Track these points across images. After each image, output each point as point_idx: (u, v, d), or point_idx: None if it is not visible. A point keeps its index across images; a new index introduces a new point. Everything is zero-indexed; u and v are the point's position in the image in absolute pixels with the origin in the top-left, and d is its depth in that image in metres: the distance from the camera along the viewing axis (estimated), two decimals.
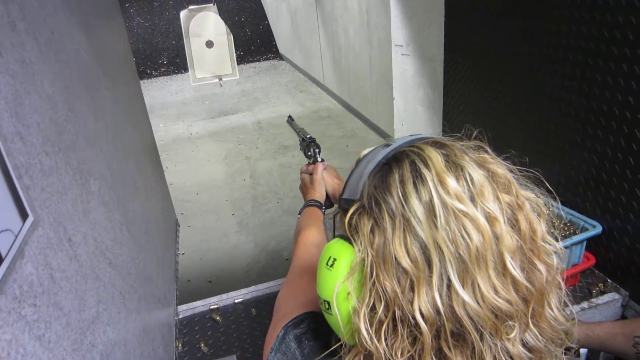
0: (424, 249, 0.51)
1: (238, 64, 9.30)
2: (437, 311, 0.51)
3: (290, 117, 1.61)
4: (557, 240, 0.59)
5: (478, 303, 0.51)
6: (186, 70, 9.93)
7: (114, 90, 1.31)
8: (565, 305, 0.61)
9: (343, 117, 6.48)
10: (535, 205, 0.58)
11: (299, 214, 1.20)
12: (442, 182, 0.52)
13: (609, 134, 1.37)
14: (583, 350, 1.51)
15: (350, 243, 0.57)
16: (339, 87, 6.84)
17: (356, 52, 5.72)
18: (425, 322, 0.51)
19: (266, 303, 1.52)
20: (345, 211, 0.59)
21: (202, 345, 1.36)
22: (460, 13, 2.08)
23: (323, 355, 0.65)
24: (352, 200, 0.58)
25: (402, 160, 0.55)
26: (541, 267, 0.55)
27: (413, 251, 0.51)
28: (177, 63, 9.97)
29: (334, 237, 0.63)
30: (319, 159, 1.34)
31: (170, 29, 10.04)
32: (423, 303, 0.51)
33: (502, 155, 0.61)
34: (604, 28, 1.32)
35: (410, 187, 0.53)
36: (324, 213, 1.20)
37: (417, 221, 0.51)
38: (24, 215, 0.58)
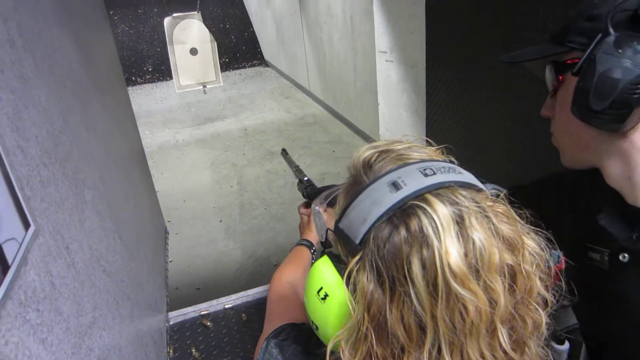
0: (420, 322, 0.52)
1: (223, 70, 9.30)
2: None
3: (284, 150, 1.61)
4: (547, 290, 0.58)
5: None
6: (171, 77, 9.94)
7: (103, 100, 1.34)
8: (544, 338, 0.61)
9: (329, 122, 6.53)
10: (535, 257, 0.56)
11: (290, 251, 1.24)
12: (449, 260, 0.50)
13: None
14: (565, 347, 1.56)
15: (341, 274, 0.56)
16: (324, 93, 6.89)
17: (341, 58, 5.78)
18: None
19: (256, 308, 1.54)
20: (341, 240, 0.58)
21: (194, 350, 1.38)
22: (441, 20, 2.14)
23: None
24: (350, 240, 0.56)
25: (409, 220, 0.52)
26: (529, 321, 0.56)
27: (409, 323, 0.52)
28: (162, 70, 9.94)
29: (323, 250, 0.63)
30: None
31: (155, 36, 10.02)
32: None
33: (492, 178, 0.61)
34: None
35: (415, 259, 0.50)
36: (313, 254, 1.21)
37: (418, 298, 0.51)
38: (26, 225, 0.60)
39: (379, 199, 0.54)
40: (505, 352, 0.54)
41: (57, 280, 0.67)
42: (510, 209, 0.57)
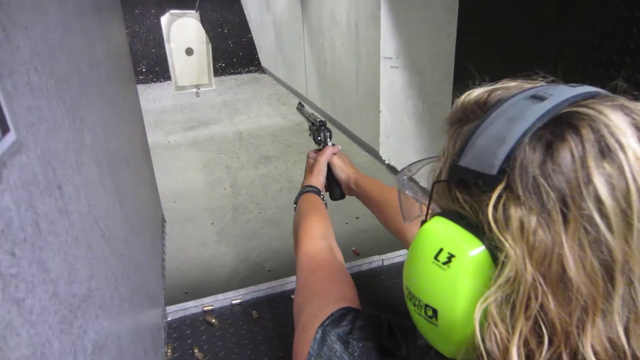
0: (607, 262, 0.36)
1: (219, 75, 9.14)
2: (615, 348, 0.37)
3: (300, 103, 1.50)
4: None
5: None
6: (165, 78, 9.73)
7: (107, 46, 1.14)
8: None
9: None
10: None
11: (295, 202, 1.06)
12: None
13: None
14: None
15: (472, 232, 0.41)
16: (322, 101, 6.76)
17: (342, 64, 5.65)
18: None
19: (267, 305, 1.33)
20: (463, 185, 0.43)
21: (197, 350, 1.16)
22: (473, 33, 2.01)
23: None
24: (483, 175, 0.41)
25: (578, 127, 0.38)
26: None
27: (591, 263, 0.36)
28: (156, 71, 9.75)
29: (429, 214, 0.47)
30: (330, 143, 1.24)
31: (151, 37, 9.84)
32: (597, 337, 0.37)
33: None
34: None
35: (595, 173, 0.36)
36: (324, 200, 1.06)
37: (603, 221, 0.36)
38: (3, 128, 0.40)
39: (518, 114, 0.40)
40: None
41: (45, 224, 0.46)
42: None
